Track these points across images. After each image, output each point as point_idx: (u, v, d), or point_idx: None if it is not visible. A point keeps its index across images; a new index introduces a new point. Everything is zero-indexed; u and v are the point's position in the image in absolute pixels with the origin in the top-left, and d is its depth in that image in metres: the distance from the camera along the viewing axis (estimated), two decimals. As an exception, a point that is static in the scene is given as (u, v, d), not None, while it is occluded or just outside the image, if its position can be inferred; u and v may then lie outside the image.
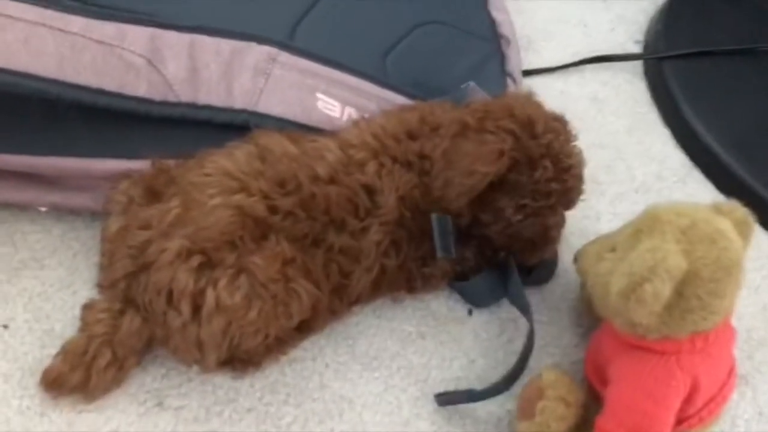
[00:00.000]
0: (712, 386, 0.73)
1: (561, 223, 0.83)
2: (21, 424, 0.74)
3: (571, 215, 0.84)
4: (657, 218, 0.70)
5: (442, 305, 0.87)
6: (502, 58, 1.04)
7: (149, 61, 0.80)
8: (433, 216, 0.78)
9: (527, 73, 1.10)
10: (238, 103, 0.84)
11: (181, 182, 0.75)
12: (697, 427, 0.73)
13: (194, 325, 0.70)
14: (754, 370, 0.85)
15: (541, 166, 0.76)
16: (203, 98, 0.83)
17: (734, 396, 0.81)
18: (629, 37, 1.22)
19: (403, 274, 0.82)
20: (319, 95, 0.87)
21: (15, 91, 0.76)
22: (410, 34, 1.00)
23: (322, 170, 0.76)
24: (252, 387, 0.79)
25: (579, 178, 0.80)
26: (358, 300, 0.82)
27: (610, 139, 1.06)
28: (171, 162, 0.79)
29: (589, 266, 0.76)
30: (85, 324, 0.74)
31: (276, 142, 0.78)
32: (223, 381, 0.78)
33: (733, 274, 0.69)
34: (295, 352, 0.81)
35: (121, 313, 0.73)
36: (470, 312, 0.87)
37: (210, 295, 0.69)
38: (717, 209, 0.72)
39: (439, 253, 0.79)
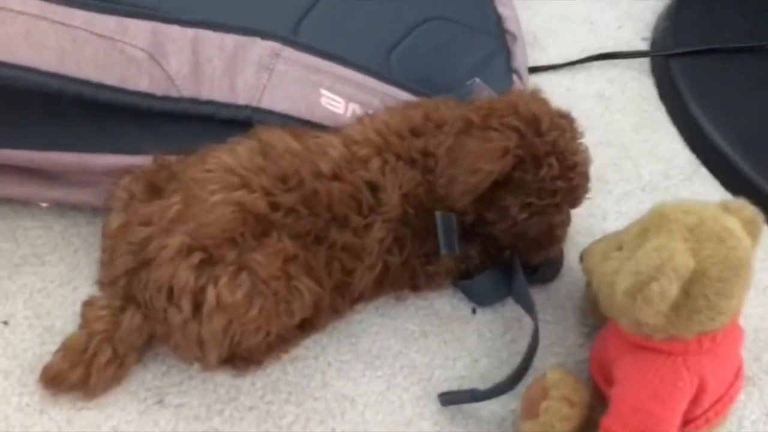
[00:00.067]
0: (719, 387, 0.72)
1: (567, 221, 0.82)
2: (20, 422, 0.73)
3: (576, 214, 0.84)
4: (664, 216, 0.69)
5: (445, 304, 0.86)
6: (507, 55, 1.03)
7: (151, 56, 0.80)
8: (437, 213, 0.78)
9: (533, 69, 1.10)
10: (242, 98, 0.84)
11: (182, 178, 0.75)
12: (704, 428, 0.73)
13: (195, 322, 0.70)
14: (761, 371, 0.85)
15: (547, 164, 0.75)
16: (206, 94, 0.83)
17: (741, 397, 0.80)
18: (636, 34, 1.21)
19: (407, 272, 0.81)
20: (323, 91, 0.87)
21: (16, 85, 0.76)
22: (415, 30, 1.00)
23: (325, 166, 0.76)
24: (253, 385, 0.78)
25: (585, 176, 0.79)
26: (361, 298, 0.81)
27: (616, 137, 1.06)
28: (172, 158, 0.79)
29: (594, 265, 0.76)
30: (86, 321, 0.74)
31: (278, 138, 0.77)
32: (224, 379, 0.78)
33: (741, 274, 0.68)
34: (297, 351, 0.81)
35: (122, 310, 0.73)
36: (474, 311, 0.86)
37: (211, 293, 0.69)
38: (725, 207, 0.72)
39: (443, 251, 0.78)
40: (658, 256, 0.65)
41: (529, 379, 0.77)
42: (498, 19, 1.07)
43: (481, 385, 0.77)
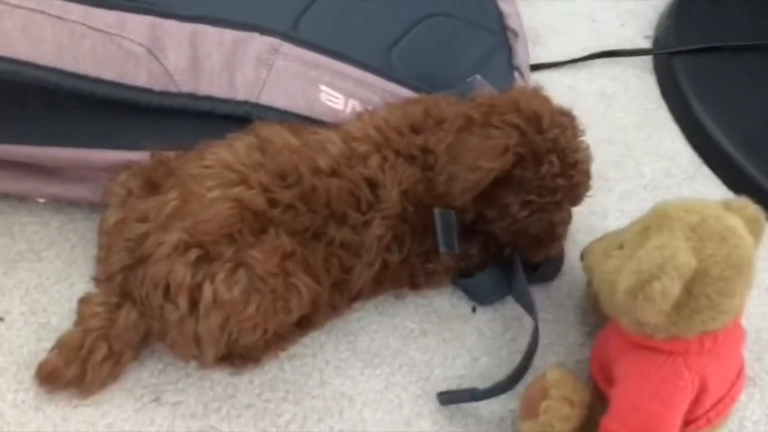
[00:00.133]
0: (720, 387, 0.72)
1: (567, 219, 0.82)
2: (15, 418, 0.73)
3: (577, 212, 0.83)
4: (666, 215, 0.69)
5: (445, 302, 0.86)
6: (509, 52, 1.03)
7: (149, 50, 0.80)
8: (436, 210, 0.77)
9: (535, 67, 1.09)
10: (241, 94, 0.83)
11: (180, 174, 0.75)
12: (705, 428, 0.73)
13: (191, 319, 0.69)
14: (763, 371, 0.84)
15: (547, 162, 0.75)
16: (204, 89, 0.82)
17: (742, 397, 0.80)
18: (639, 32, 1.21)
19: (406, 269, 0.81)
20: (323, 87, 0.86)
21: (13, 80, 0.76)
22: (416, 26, 0.99)
23: (323, 163, 0.75)
24: (251, 383, 0.78)
25: (586, 174, 0.79)
26: (360, 295, 0.81)
27: (618, 135, 1.06)
28: (170, 153, 0.78)
29: (595, 263, 0.75)
30: (82, 318, 0.74)
31: (277, 134, 0.77)
32: (221, 377, 0.78)
33: (743, 273, 0.68)
34: (295, 349, 0.80)
35: (118, 306, 0.73)
36: (474, 309, 0.86)
37: (207, 290, 0.68)
38: (727, 206, 0.71)
39: (442, 249, 0.78)
40: (659, 254, 0.65)
41: (528, 378, 0.77)
42: (499, 16, 1.06)
43: (481, 384, 0.77)
